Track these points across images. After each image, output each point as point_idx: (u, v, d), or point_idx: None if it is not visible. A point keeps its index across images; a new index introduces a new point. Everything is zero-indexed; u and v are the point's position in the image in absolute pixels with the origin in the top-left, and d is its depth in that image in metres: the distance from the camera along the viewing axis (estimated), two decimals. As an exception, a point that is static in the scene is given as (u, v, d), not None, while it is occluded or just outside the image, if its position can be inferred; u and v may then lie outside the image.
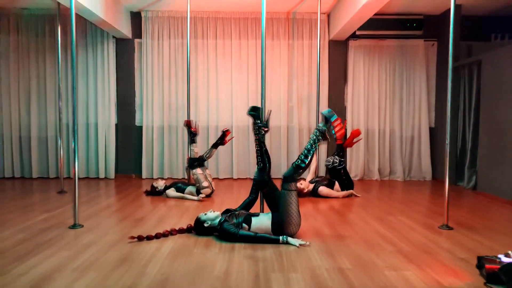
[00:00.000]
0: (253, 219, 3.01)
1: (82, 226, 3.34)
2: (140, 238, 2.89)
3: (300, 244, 2.82)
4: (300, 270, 2.41)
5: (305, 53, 6.17)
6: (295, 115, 6.21)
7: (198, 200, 4.40)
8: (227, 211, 3.18)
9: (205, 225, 3.03)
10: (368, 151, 6.26)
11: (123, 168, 6.25)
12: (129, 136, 6.25)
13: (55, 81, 5.99)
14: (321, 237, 3.11)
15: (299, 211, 2.99)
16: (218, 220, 3.03)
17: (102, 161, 6.07)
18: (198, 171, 4.58)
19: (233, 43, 6.13)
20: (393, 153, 6.25)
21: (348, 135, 5.04)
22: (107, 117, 6.07)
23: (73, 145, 3.40)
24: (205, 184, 4.53)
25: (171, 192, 4.57)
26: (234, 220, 2.99)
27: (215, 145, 4.75)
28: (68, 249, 2.77)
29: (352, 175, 6.17)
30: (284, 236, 2.90)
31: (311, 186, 4.78)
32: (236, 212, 3.11)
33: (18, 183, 5.68)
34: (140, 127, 6.21)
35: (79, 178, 6.04)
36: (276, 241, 2.87)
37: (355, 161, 6.23)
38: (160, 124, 6.14)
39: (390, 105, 6.22)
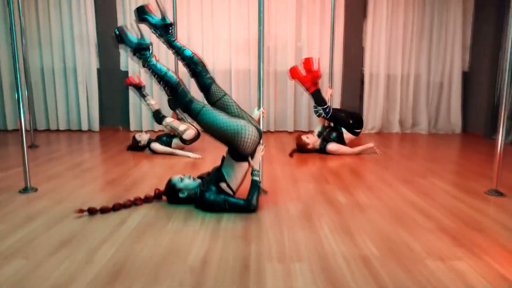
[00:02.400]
0: (223, 170, 2.32)
1: (36, 190, 2.69)
2: (91, 211, 2.20)
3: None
4: (307, 258, 1.73)
5: (317, -18, 5.16)
6: (304, 56, 5.29)
7: (196, 158, 3.71)
8: (201, 178, 2.49)
9: (181, 195, 2.35)
10: (388, 100, 5.42)
11: (109, 119, 5.53)
12: (113, 82, 5.45)
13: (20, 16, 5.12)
14: (335, 207, 2.41)
15: (242, 117, 2.29)
16: (196, 189, 2.34)
17: (84, 111, 5.35)
18: (168, 119, 3.90)
19: (232, -30, 5.12)
20: (417, 102, 5.40)
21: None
22: (86, 60, 5.26)
23: (16, 96, 2.64)
24: (182, 127, 3.83)
25: (157, 146, 3.87)
26: (211, 186, 2.29)
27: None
28: (5, 221, 2.12)
29: (368, 127, 5.40)
30: (252, 174, 2.28)
31: (318, 141, 4.03)
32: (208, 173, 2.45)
33: (-10, 136, 5.03)
34: (126, 72, 5.40)
35: (60, 131, 5.46)
36: (252, 189, 2.26)
37: (372, 111, 5.42)
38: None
39: (416, 46, 5.28)
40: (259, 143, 2.29)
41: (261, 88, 2.58)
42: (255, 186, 2.26)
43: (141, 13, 2.25)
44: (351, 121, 4.01)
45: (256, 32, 5.07)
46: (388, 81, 5.36)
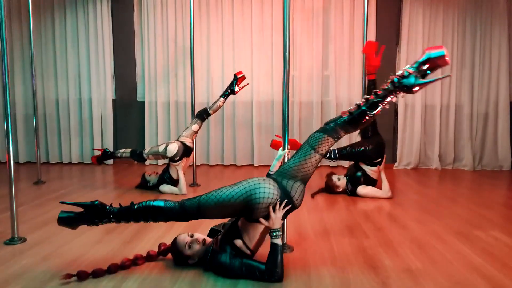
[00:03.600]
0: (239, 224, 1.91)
1: (24, 240, 2.33)
2: (80, 277, 1.80)
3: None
4: None
5: (345, 7, 4.81)
6: (331, 87, 4.92)
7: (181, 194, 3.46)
8: (213, 233, 2.06)
9: (190, 262, 1.93)
10: (426, 133, 4.90)
11: (123, 152, 5.25)
12: (129, 114, 5.20)
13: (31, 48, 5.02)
14: (378, 272, 1.92)
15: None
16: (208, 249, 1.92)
17: (98, 144, 5.08)
18: (146, 150, 3.69)
19: (254, -3, 4.88)
20: (459, 135, 4.86)
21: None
22: (102, 91, 5.04)
23: (5, 126, 2.36)
24: (161, 148, 3.57)
25: (165, 188, 3.53)
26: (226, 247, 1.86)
27: (224, 95, 3.75)
28: (-24, 286, 1.75)
29: (403, 162, 4.89)
30: (271, 235, 1.83)
31: (344, 182, 3.56)
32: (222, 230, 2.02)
33: (0, 168, 4.81)
34: (142, 103, 5.14)
35: (72, 164, 5.21)
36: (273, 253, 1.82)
37: (408, 145, 4.90)
38: (165, 100, 5.05)
39: (457, 74, 4.79)
40: (280, 202, 1.84)
41: (287, 127, 2.17)
42: (275, 251, 1.81)
43: None
44: (368, 148, 3.47)
45: (278, 62, 4.80)
46: (426, 112, 4.87)
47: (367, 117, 1.80)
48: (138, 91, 5.20)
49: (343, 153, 3.51)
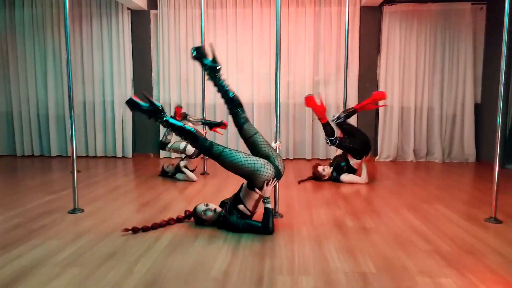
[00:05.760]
0: (241, 195, 2.68)
1: (83, 210, 3.11)
2: (134, 230, 2.59)
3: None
4: (313, 273, 2.02)
5: (333, 21, 5.58)
6: (321, 90, 5.69)
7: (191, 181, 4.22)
8: (223, 204, 2.85)
9: (206, 224, 2.73)
10: (403, 131, 5.67)
11: (140, 147, 6.04)
12: (146, 113, 5.98)
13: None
14: (342, 230, 2.70)
15: (268, 155, 2.62)
16: (220, 213, 2.71)
17: (119, 140, 5.87)
18: (169, 144, 4.36)
19: (254, 12, 5.63)
20: (431, 133, 5.62)
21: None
22: (123, 94, 5.82)
23: (69, 123, 3.13)
24: (182, 145, 4.24)
25: (180, 176, 4.30)
26: (233, 210, 2.65)
27: (204, 123, 4.43)
28: (59, 238, 2.53)
29: (383, 156, 5.66)
30: (264, 201, 2.59)
31: (330, 171, 4.31)
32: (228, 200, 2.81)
33: (37, 161, 5.59)
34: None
35: (97, 157, 5.98)
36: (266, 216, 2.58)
37: (387, 141, 5.67)
38: (178, 102, 5.82)
39: (429, 79, 5.55)
40: (273, 180, 2.58)
41: (278, 122, 2.95)
42: (267, 213, 2.57)
43: (197, 53, 2.63)
44: (357, 147, 4.18)
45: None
46: (402, 113, 5.63)
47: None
48: (153, 94, 5.97)
49: (341, 143, 4.18)
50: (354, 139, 4.23)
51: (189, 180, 4.23)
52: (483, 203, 3.37)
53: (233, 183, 4.04)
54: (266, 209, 2.59)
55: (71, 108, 3.10)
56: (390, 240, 2.50)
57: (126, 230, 2.58)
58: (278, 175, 2.62)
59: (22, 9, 5.78)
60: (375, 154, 5.69)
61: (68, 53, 3.07)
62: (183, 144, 4.25)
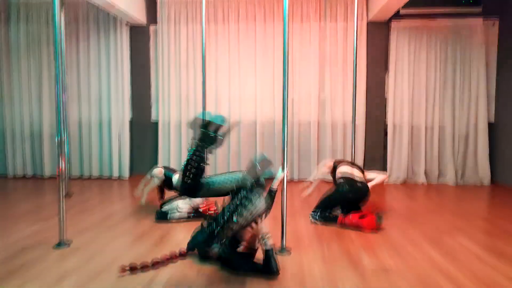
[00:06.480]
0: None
1: (68, 245, 2.82)
2: (132, 269, 2.31)
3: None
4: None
5: (339, 37, 5.38)
6: (327, 108, 5.45)
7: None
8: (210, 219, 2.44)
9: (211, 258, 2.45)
10: (413, 151, 5.40)
11: (138, 167, 5.77)
12: (144, 133, 5.74)
13: (65, 73, 5.56)
14: (358, 269, 2.41)
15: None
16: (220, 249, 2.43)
17: (116, 160, 5.60)
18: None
19: (258, 27, 5.44)
20: (443, 153, 5.36)
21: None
22: (120, 113, 5.58)
23: (56, 140, 2.88)
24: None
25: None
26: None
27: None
28: (41, 279, 2.24)
29: (393, 177, 5.38)
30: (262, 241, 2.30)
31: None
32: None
33: (29, 183, 5.31)
34: (156, 123, 5.68)
35: (92, 178, 5.71)
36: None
37: (397, 162, 5.40)
38: (178, 120, 5.58)
39: (440, 97, 5.31)
40: (261, 215, 2.22)
41: (286, 150, 2.69)
42: (268, 255, 2.27)
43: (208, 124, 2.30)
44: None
45: (280, 86, 5.33)
46: (412, 132, 5.38)
47: None
48: (152, 112, 5.73)
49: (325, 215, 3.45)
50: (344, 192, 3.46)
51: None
52: (507, 233, 3.09)
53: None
54: (265, 251, 2.29)
55: (59, 122, 2.85)
56: (414, 283, 2.21)
57: (124, 270, 2.29)
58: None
59: (18, 26, 5.59)
60: (384, 175, 5.41)
61: (56, 67, 2.82)
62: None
